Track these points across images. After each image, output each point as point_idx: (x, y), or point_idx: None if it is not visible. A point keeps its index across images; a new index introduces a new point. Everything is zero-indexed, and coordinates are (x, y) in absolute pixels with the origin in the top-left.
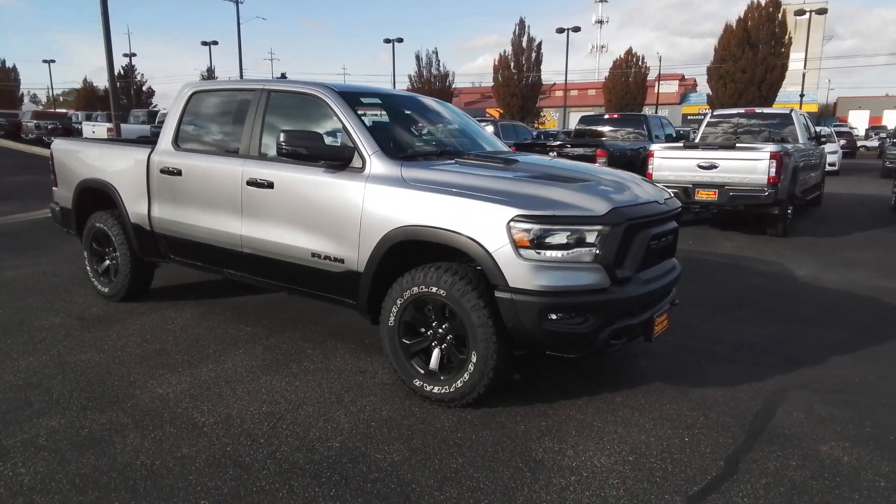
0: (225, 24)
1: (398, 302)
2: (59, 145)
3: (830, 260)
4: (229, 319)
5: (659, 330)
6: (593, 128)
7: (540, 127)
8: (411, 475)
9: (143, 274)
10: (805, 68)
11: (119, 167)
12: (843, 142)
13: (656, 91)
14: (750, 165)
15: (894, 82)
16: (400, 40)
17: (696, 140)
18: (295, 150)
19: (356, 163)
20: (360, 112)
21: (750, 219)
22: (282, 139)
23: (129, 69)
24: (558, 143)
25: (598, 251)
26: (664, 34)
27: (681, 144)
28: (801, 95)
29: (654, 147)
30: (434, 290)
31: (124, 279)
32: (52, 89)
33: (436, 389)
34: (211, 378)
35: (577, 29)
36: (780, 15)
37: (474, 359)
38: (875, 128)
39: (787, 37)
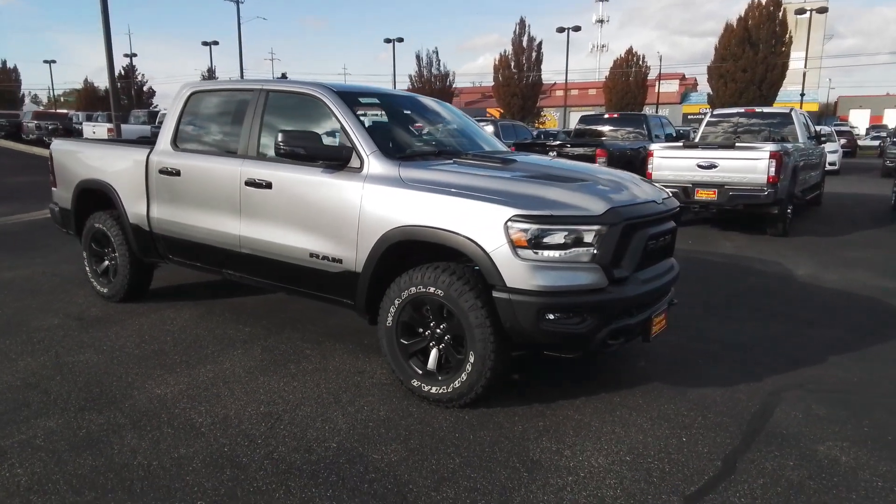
0: (225, 24)
1: (396, 302)
2: (59, 146)
3: (830, 260)
4: (228, 320)
5: (657, 330)
6: (593, 127)
7: (540, 126)
8: (408, 475)
9: (142, 274)
10: (806, 67)
11: (118, 167)
12: (843, 141)
13: (657, 90)
14: (749, 165)
15: (895, 81)
16: (400, 40)
17: (696, 139)
18: (293, 150)
19: (354, 163)
20: (358, 112)
21: (750, 218)
22: (280, 139)
23: (130, 69)
24: (558, 142)
25: (595, 251)
26: (665, 33)
27: (680, 144)
28: (802, 95)
29: (654, 147)
30: (432, 290)
31: (123, 280)
32: (53, 90)
33: (434, 390)
34: (209, 378)
35: (577, 28)
36: (780, 14)
37: (472, 359)
38: (875, 127)
39: (787, 36)
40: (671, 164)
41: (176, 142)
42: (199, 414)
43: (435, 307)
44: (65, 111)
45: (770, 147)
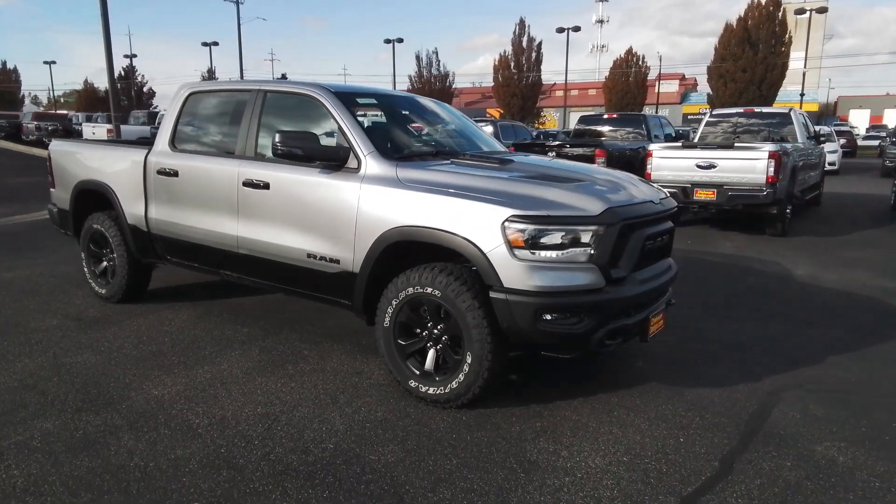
0: (226, 24)
1: (393, 303)
2: (57, 147)
3: (829, 260)
4: (226, 321)
5: (655, 330)
6: (593, 128)
7: (540, 127)
8: (405, 476)
9: (141, 275)
10: (805, 67)
11: (116, 168)
12: (843, 141)
13: (657, 91)
14: (748, 165)
15: (895, 81)
16: (400, 40)
17: (695, 140)
18: (290, 150)
19: (352, 163)
20: (355, 112)
21: (749, 218)
22: (277, 140)
23: (130, 70)
24: (557, 143)
25: (592, 251)
26: (665, 33)
27: (679, 144)
28: (802, 95)
29: (653, 147)
30: (429, 290)
31: (121, 280)
32: (53, 90)
33: (431, 390)
34: (206, 380)
35: (577, 28)
36: (780, 14)
37: (469, 360)
38: (875, 127)
39: (787, 36)
40: (670, 164)
41: (174, 142)
42: (196, 415)
43: (432, 308)
44: (65, 112)
45: (769, 147)
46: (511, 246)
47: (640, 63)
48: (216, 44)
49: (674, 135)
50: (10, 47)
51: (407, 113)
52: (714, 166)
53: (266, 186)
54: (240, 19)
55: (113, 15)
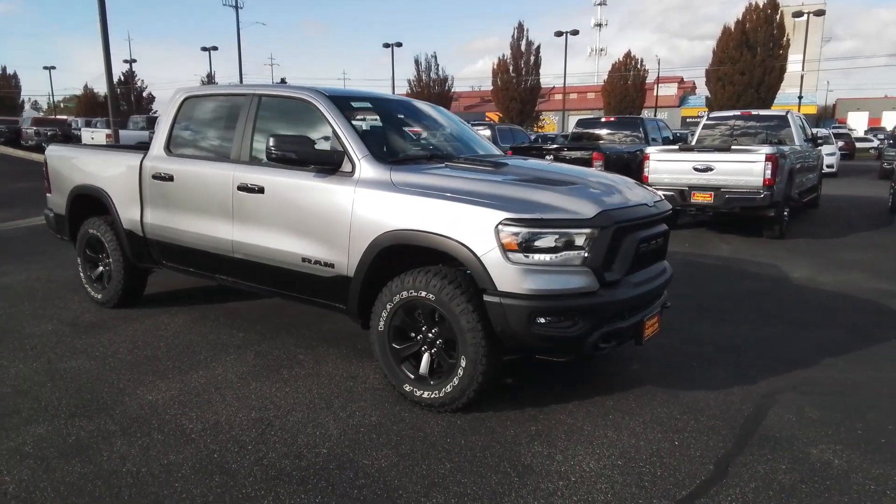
0: (225, 29)
1: (388, 306)
2: (54, 152)
3: (826, 262)
4: (222, 325)
5: (649, 333)
6: (590, 131)
7: (539, 130)
8: (398, 481)
9: (137, 280)
10: (803, 70)
11: (112, 173)
12: (841, 143)
13: (655, 94)
14: (745, 168)
15: (893, 83)
16: (399, 44)
17: (693, 143)
18: (284, 154)
19: (346, 167)
20: (350, 116)
21: (746, 221)
22: (271, 144)
23: (130, 75)
24: (555, 146)
25: (586, 254)
26: (664, 37)
27: (676, 147)
28: (800, 97)
29: (650, 150)
30: (423, 294)
31: (117, 285)
32: (53, 96)
33: (426, 394)
34: (201, 384)
35: (575, 32)
36: (778, 17)
37: (464, 363)
38: (873, 129)
39: (785, 39)
40: (667, 167)
41: (169, 147)
42: (189, 420)
43: (427, 311)
44: (64, 117)
45: (766, 150)
46: (505, 249)
47: (639, 66)
48: (216, 48)
49: (671, 138)
50: (10, 53)
51: (402, 117)
52: (711, 169)
53: (261, 190)
54: (239, 24)
55: (113, 20)
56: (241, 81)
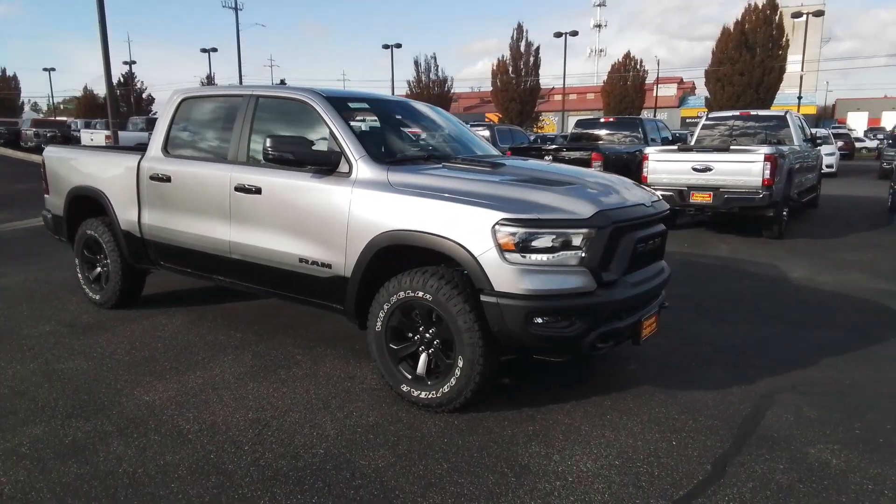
0: (225, 30)
1: (385, 307)
2: (51, 153)
3: (825, 262)
4: (220, 326)
5: (647, 333)
6: (590, 131)
7: (539, 131)
8: (395, 481)
9: (134, 281)
10: (803, 70)
11: (109, 174)
12: (840, 143)
13: (655, 94)
14: (744, 168)
15: (893, 84)
16: (398, 46)
17: (692, 143)
18: (281, 155)
19: (343, 167)
20: (347, 117)
21: (745, 221)
22: (268, 145)
23: (129, 76)
24: (554, 146)
25: (583, 254)
26: (663, 37)
27: (675, 147)
28: (799, 98)
29: (649, 150)
30: (420, 294)
31: (115, 286)
32: (53, 97)
33: (423, 394)
34: (198, 385)
35: (574, 33)
36: (777, 17)
37: (461, 363)
38: (873, 129)
39: (784, 39)
40: (666, 167)
41: (167, 148)
42: (186, 421)
43: (424, 312)
44: (63, 119)
45: (764, 150)
46: (502, 249)
47: (638, 67)
48: (215, 50)
49: (670, 138)
50: (9, 54)
51: (399, 117)
52: (710, 169)
53: (258, 191)
54: (238, 25)
55: (113, 21)
56: (240, 83)
